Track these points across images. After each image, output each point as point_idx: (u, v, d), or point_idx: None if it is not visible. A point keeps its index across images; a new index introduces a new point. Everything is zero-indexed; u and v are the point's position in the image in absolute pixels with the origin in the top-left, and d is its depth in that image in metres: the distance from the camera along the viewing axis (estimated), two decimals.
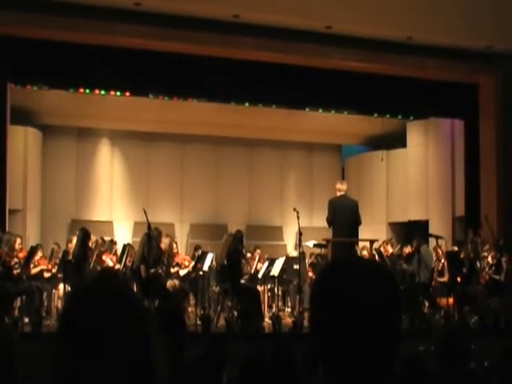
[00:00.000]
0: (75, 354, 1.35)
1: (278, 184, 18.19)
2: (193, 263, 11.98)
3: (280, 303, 12.85)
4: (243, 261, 12.08)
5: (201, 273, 11.77)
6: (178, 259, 12.38)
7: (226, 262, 11.11)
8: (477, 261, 11.90)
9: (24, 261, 10.66)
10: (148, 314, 1.43)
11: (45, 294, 11.33)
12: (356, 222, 10.92)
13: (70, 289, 10.27)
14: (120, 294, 1.43)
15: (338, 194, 11.04)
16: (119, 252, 12.27)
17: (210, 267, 11.81)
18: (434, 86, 14.33)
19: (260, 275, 12.42)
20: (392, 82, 14.04)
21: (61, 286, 11.16)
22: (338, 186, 11.24)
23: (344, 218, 10.72)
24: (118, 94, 13.73)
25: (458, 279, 11.58)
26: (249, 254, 13.33)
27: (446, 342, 3.55)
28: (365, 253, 12.16)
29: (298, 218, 10.75)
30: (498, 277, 11.61)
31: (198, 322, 10.23)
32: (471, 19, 13.03)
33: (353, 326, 1.43)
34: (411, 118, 16.53)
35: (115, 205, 16.82)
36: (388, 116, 15.80)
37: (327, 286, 1.50)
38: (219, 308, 11.34)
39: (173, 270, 11.86)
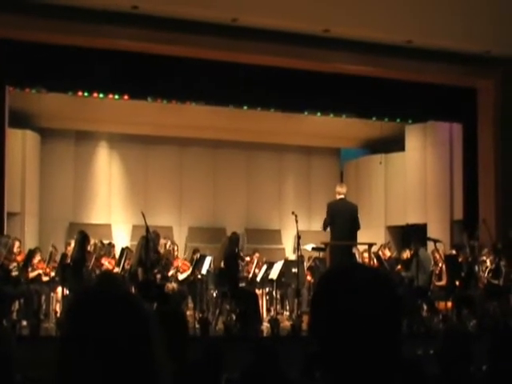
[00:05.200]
0: (78, 358, 1.34)
1: (277, 188, 18.19)
2: (191, 267, 11.97)
3: (278, 306, 12.86)
4: (241, 262, 12.06)
5: (199, 276, 11.76)
6: (176, 263, 12.33)
7: (223, 265, 11.10)
8: (475, 264, 11.89)
9: (22, 264, 10.65)
10: (150, 317, 1.42)
11: (43, 297, 11.31)
12: (354, 226, 10.83)
13: (68, 292, 10.25)
14: (122, 297, 1.42)
15: (338, 197, 10.96)
16: (117, 255, 12.26)
17: (208, 270, 11.80)
18: (433, 90, 14.33)
19: (258, 278, 12.41)
20: (390, 85, 14.05)
21: (59, 289, 11.15)
22: (338, 189, 11.14)
23: (342, 221, 10.65)
24: (117, 97, 13.74)
25: (457, 283, 11.58)
26: (247, 258, 13.34)
27: (446, 345, 3.54)
28: (365, 255, 12.13)
29: (297, 221, 10.72)
30: (496, 281, 11.59)
31: (197, 326, 10.21)
32: (470, 23, 13.04)
33: (352, 331, 1.43)
34: (410, 121, 16.51)
35: (113, 208, 16.81)
36: (386, 119, 15.80)
37: (327, 292, 1.50)
38: (217, 311, 11.32)
39: (171, 273, 11.83)
